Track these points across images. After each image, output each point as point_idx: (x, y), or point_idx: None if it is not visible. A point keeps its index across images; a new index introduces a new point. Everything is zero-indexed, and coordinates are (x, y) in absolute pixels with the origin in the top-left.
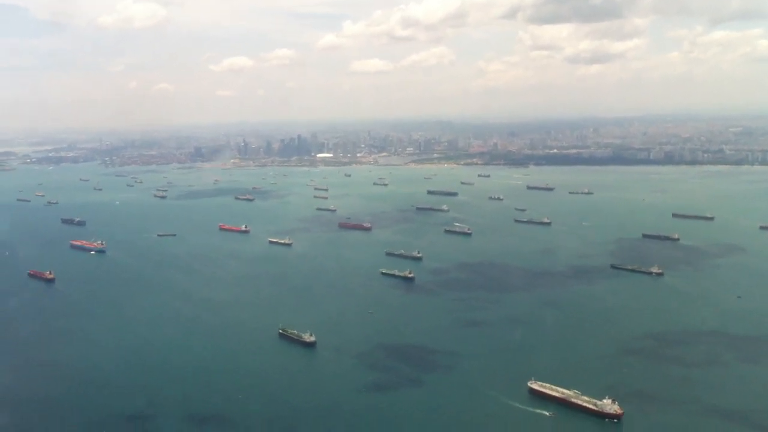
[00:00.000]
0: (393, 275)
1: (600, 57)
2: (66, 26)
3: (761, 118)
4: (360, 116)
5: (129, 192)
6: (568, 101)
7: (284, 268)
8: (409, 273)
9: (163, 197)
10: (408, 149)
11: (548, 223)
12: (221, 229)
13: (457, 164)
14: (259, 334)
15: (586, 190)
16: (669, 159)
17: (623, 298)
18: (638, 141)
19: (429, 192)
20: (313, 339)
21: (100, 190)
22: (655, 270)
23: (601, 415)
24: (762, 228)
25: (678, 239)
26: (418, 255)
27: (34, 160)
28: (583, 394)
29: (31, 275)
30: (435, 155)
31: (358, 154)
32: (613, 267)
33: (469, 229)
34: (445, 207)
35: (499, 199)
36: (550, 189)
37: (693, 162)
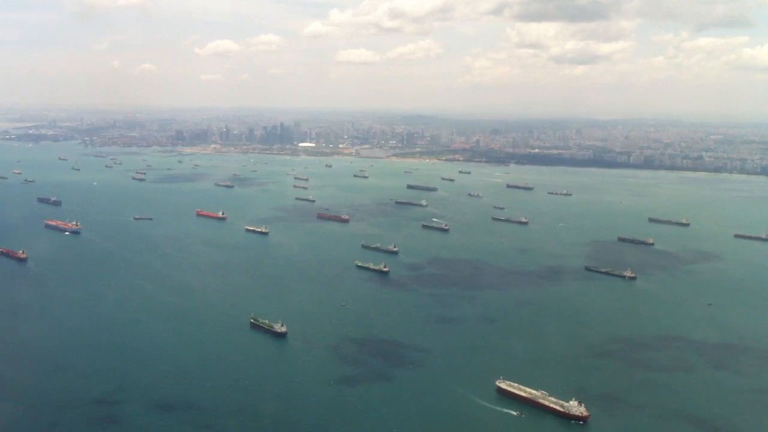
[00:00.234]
0: (368, 268)
1: (586, 58)
2: (51, 1)
3: (742, 127)
4: (344, 106)
5: (107, 173)
6: (552, 101)
7: (259, 256)
8: (384, 266)
9: (141, 180)
10: (390, 142)
11: (525, 223)
12: (198, 215)
13: (439, 160)
14: (230, 322)
15: (564, 191)
16: (648, 163)
17: (595, 300)
18: (620, 144)
19: (409, 186)
20: (284, 329)
21: (79, 170)
22: (628, 274)
23: (567, 417)
24: (737, 236)
25: (653, 244)
26: (395, 249)
27: (13, 137)
28: (550, 395)
29: (2, 253)
30: (417, 149)
31: (341, 145)
32: (587, 269)
33: (446, 225)
34: (423, 202)
35: (478, 196)
36: (530, 188)
37: (672, 167)
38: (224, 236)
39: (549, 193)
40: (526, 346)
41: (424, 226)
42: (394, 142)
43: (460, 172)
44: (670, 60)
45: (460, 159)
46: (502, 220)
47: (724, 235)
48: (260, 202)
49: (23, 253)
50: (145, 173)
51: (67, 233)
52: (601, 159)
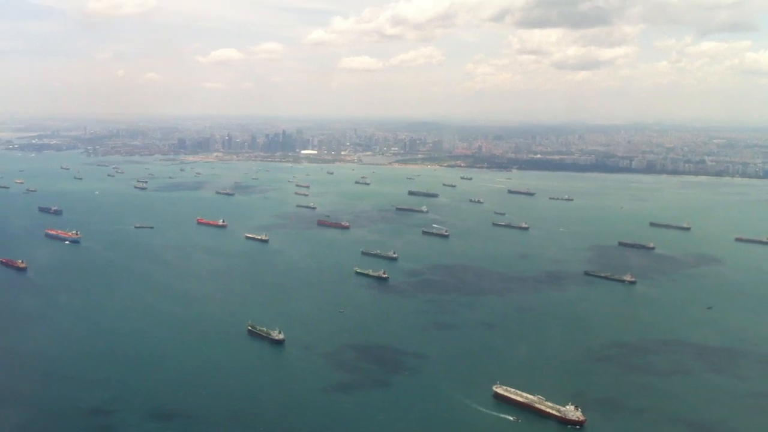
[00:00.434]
0: (367, 275)
1: (588, 64)
2: (54, 10)
3: (745, 131)
4: (347, 114)
5: (109, 182)
6: (555, 107)
7: (259, 264)
8: (384, 273)
9: (143, 188)
10: (393, 149)
11: (526, 228)
12: (199, 222)
13: (441, 166)
14: (228, 329)
15: (566, 197)
16: (651, 168)
17: (595, 305)
18: (622, 149)
19: (410, 193)
20: (281, 336)
21: (81, 179)
22: (628, 278)
23: (564, 422)
24: (738, 240)
25: (653, 248)
26: (394, 255)
27: (16, 146)
28: (547, 400)
29: (2, 263)
30: (419, 156)
31: (343, 152)
32: (586, 274)
33: (446, 231)
34: (424, 208)
35: (479, 202)
36: (531, 194)
37: (674, 172)
38: (224, 244)
39: (550, 198)
40: (524, 351)
41: (425, 233)
42: (397, 148)
43: (462, 178)
44: (673, 65)
45: (463, 165)
46: (502, 225)
47: (725, 238)
48: (261, 210)
49: (22, 262)
50: (146, 182)
51: (67, 242)
52: (604, 164)
